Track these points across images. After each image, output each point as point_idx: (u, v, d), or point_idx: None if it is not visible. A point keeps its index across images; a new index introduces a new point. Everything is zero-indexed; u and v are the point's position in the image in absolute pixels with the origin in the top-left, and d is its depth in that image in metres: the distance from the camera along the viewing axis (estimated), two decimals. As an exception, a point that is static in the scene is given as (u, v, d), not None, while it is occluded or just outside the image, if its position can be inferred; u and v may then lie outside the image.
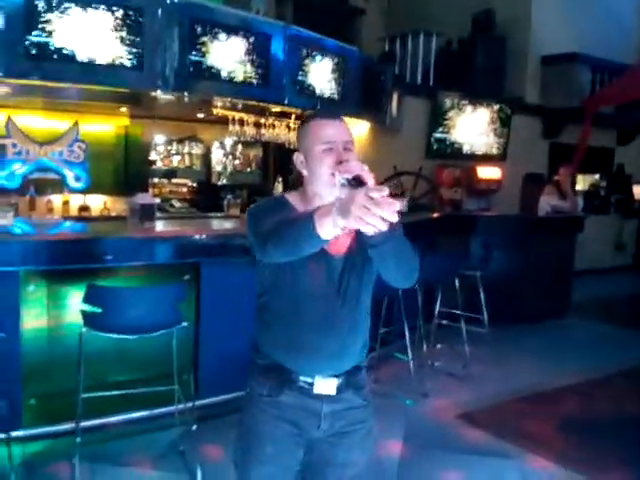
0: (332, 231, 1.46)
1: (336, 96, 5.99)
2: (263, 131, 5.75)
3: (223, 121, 5.89)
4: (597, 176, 11.00)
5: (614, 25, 10.01)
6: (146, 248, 3.66)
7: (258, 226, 1.73)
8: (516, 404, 4.53)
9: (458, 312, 5.25)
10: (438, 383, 4.82)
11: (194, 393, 3.58)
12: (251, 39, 5.17)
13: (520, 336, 6.29)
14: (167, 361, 3.33)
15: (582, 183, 10.78)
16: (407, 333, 4.53)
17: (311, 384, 1.76)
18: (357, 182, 1.48)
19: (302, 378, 1.76)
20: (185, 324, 3.25)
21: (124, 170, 6.94)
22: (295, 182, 6.63)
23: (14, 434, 3.24)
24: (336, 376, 1.78)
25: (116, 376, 3.84)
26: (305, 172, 1.78)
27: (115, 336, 3.07)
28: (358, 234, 1.69)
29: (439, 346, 5.37)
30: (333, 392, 1.77)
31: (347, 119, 5.79)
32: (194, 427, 3.36)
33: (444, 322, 5.33)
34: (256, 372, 1.83)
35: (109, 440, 3.57)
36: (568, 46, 9.23)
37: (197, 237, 3.81)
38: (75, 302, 3.39)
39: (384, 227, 1.37)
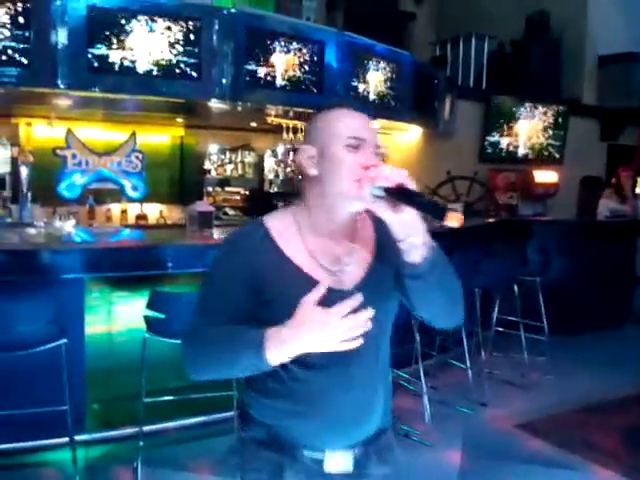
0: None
1: (390, 101, 5.98)
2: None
3: (275, 130, 5.95)
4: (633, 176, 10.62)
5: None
6: (205, 255, 3.71)
7: (202, 298, 1.41)
8: (577, 414, 4.41)
9: (516, 319, 5.14)
10: (496, 392, 4.72)
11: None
12: (305, 46, 5.21)
13: (580, 345, 6.10)
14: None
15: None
16: (465, 340, 4.47)
17: (319, 461, 1.37)
18: (399, 193, 1.20)
19: (307, 453, 1.36)
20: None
21: (179, 179, 7.09)
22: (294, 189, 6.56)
23: (78, 438, 3.31)
24: (352, 447, 1.39)
25: (176, 382, 3.88)
26: (314, 172, 1.35)
27: (177, 341, 3.11)
28: (374, 261, 1.41)
29: (497, 354, 5.27)
30: (350, 468, 1.39)
31: (400, 124, 5.76)
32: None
33: (502, 329, 5.23)
34: (248, 451, 1.43)
35: (169, 445, 3.63)
36: (625, 46, 8.96)
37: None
38: (136, 308, 3.46)
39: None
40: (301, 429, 1.36)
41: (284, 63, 5.09)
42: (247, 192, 7.63)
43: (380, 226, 1.36)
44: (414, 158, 7.41)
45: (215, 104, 5.03)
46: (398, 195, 1.20)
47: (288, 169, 7.72)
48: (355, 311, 1.21)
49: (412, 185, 1.21)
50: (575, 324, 6.32)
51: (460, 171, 7.51)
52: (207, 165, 7.30)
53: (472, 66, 9.04)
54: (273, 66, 5.04)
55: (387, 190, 1.21)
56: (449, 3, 10.77)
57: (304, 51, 5.21)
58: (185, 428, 3.76)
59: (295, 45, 5.15)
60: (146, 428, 3.34)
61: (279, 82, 5.08)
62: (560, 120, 8.95)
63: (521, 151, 8.77)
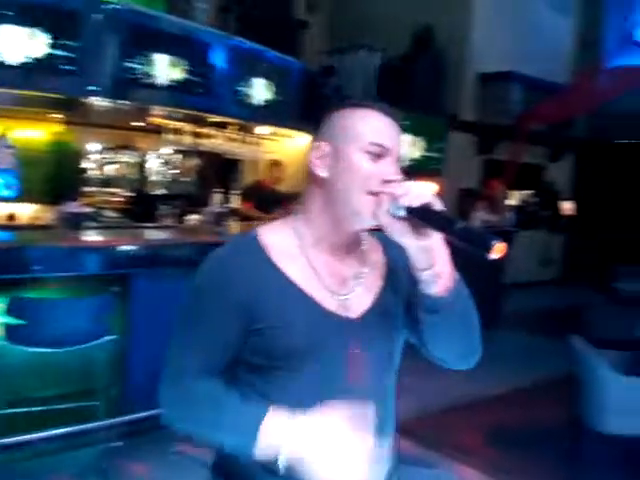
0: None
1: (277, 108, 6.01)
2: (200, 140, 5.70)
3: (159, 130, 5.82)
4: (528, 192, 11.36)
5: (548, 46, 10.40)
6: (73, 258, 3.55)
7: (182, 334, 1.21)
8: (446, 415, 4.60)
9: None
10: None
11: (121, 408, 3.49)
12: (191, 48, 5.15)
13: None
14: (92, 375, 3.24)
15: (514, 199, 11.11)
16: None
17: None
18: (426, 216, 1.05)
19: None
20: (111, 337, 3.17)
21: (56, 178, 6.74)
22: (250, 194, 6.53)
23: None
24: None
25: (37, 391, 3.69)
26: (324, 173, 1.18)
27: (37, 350, 2.97)
28: (384, 288, 1.26)
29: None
30: None
31: (287, 131, 5.80)
32: (118, 444, 3.27)
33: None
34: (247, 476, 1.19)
35: (29, 458, 3.43)
36: (504, 65, 9.53)
37: (127, 247, 3.73)
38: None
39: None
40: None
41: (168, 63, 5.00)
42: (129, 193, 7.40)
43: (390, 249, 1.26)
44: (301, 165, 7.47)
45: (94, 101, 4.85)
46: (424, 217, 1.04)
47: (174, 171, 7.58)
48: (360, 343, 1.16)
49: (440, 206, 1.06)
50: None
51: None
52: (86, 164, 7.01)
53: (361, 77, 9.27)
54: (157, 66, 4.93)
55: (411, 210, 1.05)
56: (341, 14, 10.99)
57: (189, 52, 5.14)
58: (47, 440, 3.56)
59: (181, 46, 5.07)
60: (4, 440, 3.15)
61: (162, 82, 4.98)
62: (440, 133, 9.36)
63: (403, 162, 9.06)
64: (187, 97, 5.09)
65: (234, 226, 5.40)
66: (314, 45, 10.25)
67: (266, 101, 5.84)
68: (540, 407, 4.82)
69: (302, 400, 1.12)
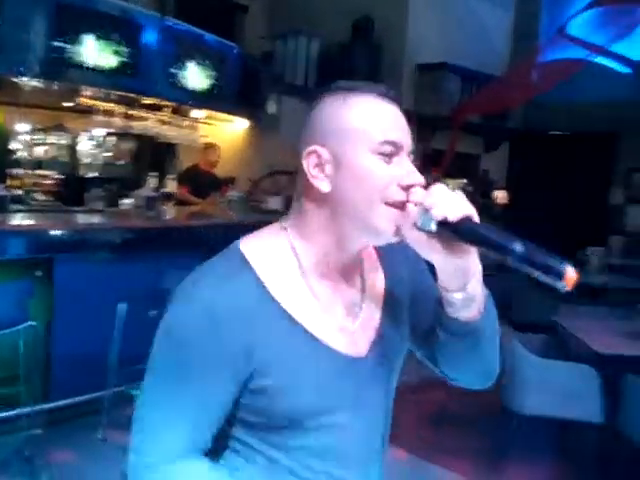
0: None
1: (213, 91, 5.94)
2: (132, 123, 5.58)
3: (91, 111, 5.67)
4: (464, 181, 11.60)
5: (484, 37, 10.60)
6: (-6, 243, 3.46)
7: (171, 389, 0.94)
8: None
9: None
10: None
11: (45, 395, 3.42)
12: (124, 29, 5.03)
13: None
14: (14, 362, 3.16)
15: (451, 187, 11.30)
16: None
17: None
18: (464, 229, 0.86)
19: None
20: (34, 323, 3.10)
21: (-20, 159, 6.51)
22: (187, 179, 6.45)
23: None
24: None
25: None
26: (326, 187, 0.95)
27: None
28: (386, 309, 1.07)
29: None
30: None
31: (223, 115, 5.74)
32: (41, 431, 3.21)
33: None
34: None
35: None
36: (441, 56, 9.67)
37: (50, 231, 3.64)
38: None
39: None
40: None
41: (100, 43, 4.87)
42: (60, 176, 7.20)
43: (388, 258, 1.10)
44: (239, 150, 7.44)
45: (22, 80, 4.69)
46: (464, 233, 0.86)
47: (107, 154, 7.41)
48: (370, 378, 1.02)
49: (477, 219, 0.88)
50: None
51: (284, 166, 7.65)
52: (15, 145, 6.78)
53: (300, 64, 9.25)
54: (88, 45, 4.80)
55: (446, 224, 0.86)
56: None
57: (122, 33, 5.03)
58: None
59: (113, 26, 4.95)
60: None
61: (93, 62, 4.85)
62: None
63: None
64: (119, 78, 4.98)
65: (168, 210, 5.34)
66: (254, 30, 10.16)
67: (202, 84, 5.77)
68: (469, 392, 4.97)
69: (309, 462, 0.98)
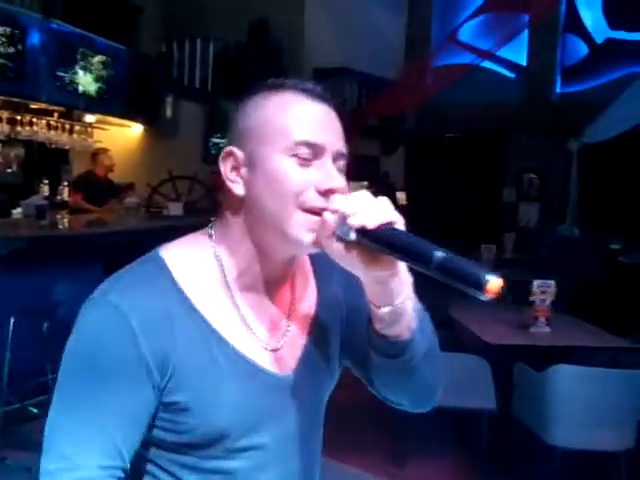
0: None
1: (103, 94, 5.76)
2: (20, 129, 5.32)
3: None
4: (365, 183, 11.83)
5: (380, 42, 10.87)
6: None
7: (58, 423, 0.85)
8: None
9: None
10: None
11: None
12: (5, 30, 4.79)
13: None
14: None
15: (351, 190, 11.50)
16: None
17: None
18: (386, 240, 0.79)
19: None
20: None
21: None
22: (81, 186, 6.18)
23: None
24: None
25: None
26: (240, 191, 0.90)
27: None
28: (316, 325, 1.01)
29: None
30: None
31: (115, 119, 5.57)
32: None
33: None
34: None
35: None
36: (338, 60, 9.83)
37: None
38: None
39: None
40: None
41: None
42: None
43: (322, 270, 1.03)
44: (136, 156, 7.25)
45: None
46: (385, 243, 0.78)
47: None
48: (296, 397, 0.95)
49: (403, 226, 0.81)
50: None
51: (183, 171, 7.53)
52: None
53: (198, 66, 9.14)
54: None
55: (366, 233, 0.78)
56: (178, 0, 10.74)
57: (5, 36, 4.79)
58: None
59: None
60: None
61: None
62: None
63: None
64: (2, 82, 4.74)
65: (61, 219, 5.12)
66: (149, 32, 9.92)
67: (91, 88, 5.58)
68: (349, 387, 5.07)
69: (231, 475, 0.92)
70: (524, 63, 10.92)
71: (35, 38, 4.94)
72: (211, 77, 9.12)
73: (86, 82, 5.47)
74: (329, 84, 9.94)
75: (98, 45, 5.69)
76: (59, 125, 5.49)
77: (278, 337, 0.96)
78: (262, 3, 9.60)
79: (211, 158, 8.64)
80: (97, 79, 5.63)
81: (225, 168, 0.90)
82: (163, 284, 0.87)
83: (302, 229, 0.85)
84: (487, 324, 3.56)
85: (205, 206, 7.39)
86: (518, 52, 10.73)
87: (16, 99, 5.00)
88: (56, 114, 5.45)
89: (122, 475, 0.85)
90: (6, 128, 5.28)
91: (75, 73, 5.35)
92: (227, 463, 0.91)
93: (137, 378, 0.83)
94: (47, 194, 5.94)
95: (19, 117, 5.28)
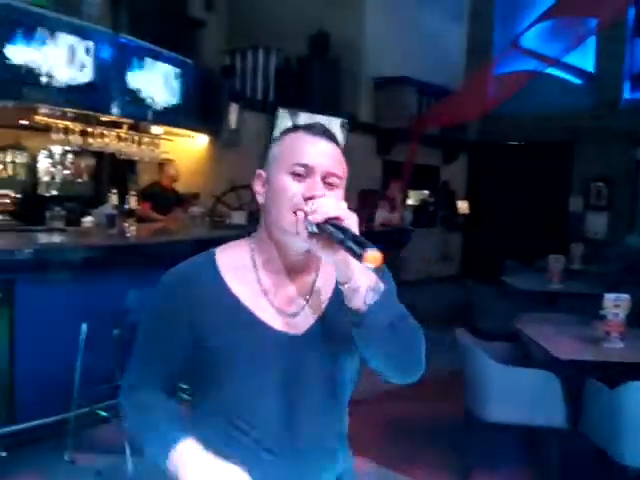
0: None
1: (170, 108, 5.92)
2: (91, 140, 5.52)
3: (50, 129, 5.59)
4: (426, 192, 11.76)
5: (440, 51, 10.81)
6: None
7: (145, 336, 1.29)
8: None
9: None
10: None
11: (10, 417, 3.34)
12: (77, 46, 4.98)
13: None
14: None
15: (413, 198, 11.48)
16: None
17: None
18: (335, 229, 1.07)
19: None
20: (-6, 345, 3.04)
21: None
22: (148, 196, 6.39)
23: None
24: None
25: None
26: (261, 200, 1.25)
27: None
28: (330, 304, 1.27)
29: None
30: None
31: (183, 131, 5.69)
32: (3, 454, 3.14)
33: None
34: None
35: None
36: (398, 70, 9.81)
37: (10, 251, 3.57)
38: None
39: None
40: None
41: (56, 61, 4.82)
42: (18, 195, 7.07)
43: None
44: (201, 166, 7.41)
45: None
46: (328, 231, 1.07)
47: (66, 171, 7.31)
48: (302, 359, 1.21)
49: (350, 220, 1.09)
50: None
51: (246, 180, 7.61)
52: (-30, 165, 6.65)
53: (260, 78, 9.29)
54: (44, 63, 4.74)
55: (319, 226, 1.08)
56: (240, 14, 10.95)
57: (76, 50, 4.98)
58: None
59: (66, 43, 4.90)
60: None
61: (48, 81, 4.80)
62: (340, 134, 9.52)
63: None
64: (75, 96, 4.93)
65: (130, 228, 5.27)
66: (212, 44, 10.16)
67: (159, 101, 5.74)
68: (435, 400, 5.01)
69: (240, 411, 1.21)
70: (591, 69, 10.64)
71: (106, 52, 5.13)
72: (272, 89, 9.26)
73: (154, 95, 5.63)
74: (389, 94, 9.94)
75: (165, 58, 5.86)
76: (128, 137, 5.67)
77: (293, 308, 1.25)
78: (322, 15, 9.69)
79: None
80: (164, 92, 5.79)
81: (255, 185, 1.27)
82: (205, 265, 1.26)
83: (291, 225, 1.15)
84: (556, 338, 3.45)
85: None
86: (585, 58, 10.47)
87: (88, 112, 5.19)
88: (125, 126, 5.63)
89: (161, 389, 1.27)
90: (79, 140, 5.49)
91: (143, 86, 5.52)
92: (239, 399, 1.21)
93: (180, 329, 1.22)
94: (116, 203, 6.14)
95: (91, 129, 5.49)
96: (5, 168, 6.95)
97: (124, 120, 5.51)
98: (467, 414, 3.61)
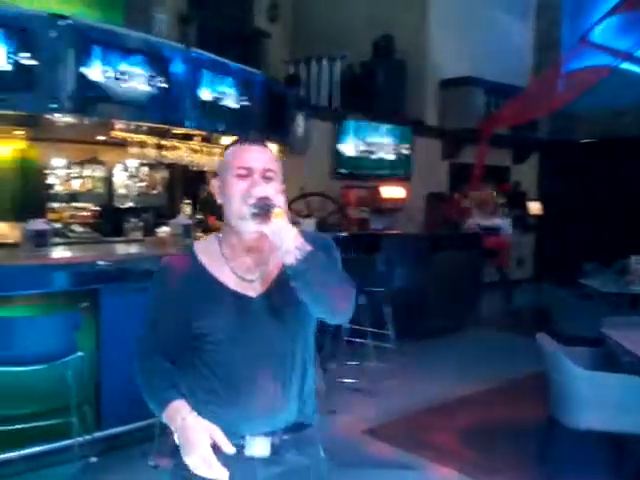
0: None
1: (239, 119, 6.01)
2: (165, 153, 5.67)
3: (124, 143, 5.77)
4: (493, 192, 11.52)
5: (507, 50, 10.60)
6: (39, 276, 3.52)
7: (148, 313, 1.65)
8: (421, 416, 4.65)
9: (365, 328, 5.34)
10: (346, 399, 4.88)
11: (96, 424, 3.46)
12: (150, 61, 5.12)
13: (425, 350, 6.47)
14: (65, 393, 3.21)
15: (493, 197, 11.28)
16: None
17: (241, 446, 1.53)
18: (266, 207, 1.43)
19: (230, 439, 1.48)
20: (80, 354, 3.16)
21: (20, 195, 6.66)
22: (206, 207, 6.59)
23: None
24: (269, 435, 1.56)
25: (10, 410, 3.64)
26: (220, 200, 1.61)
27: (2, 369, 2.94)
28: (280, 273, 1.59)
29: (347, 363, 5.44)
30: (267, 453, 1.56)
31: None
32: (94, 460, 3.25)
33: (352, 339, 5.41)
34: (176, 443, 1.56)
35: (7, 477, 3.39)
36: (464, 70, 9.68)
37: (94, 263, 3.70)
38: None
39: None
40: (224, 419, 1.52)
41: (129, 77, 4.97)
42: (97, 208, 7.35)
43: None
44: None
45: (55, 117, 4.81)
46: (265, 209, 1.43)
47: (141, 184, 7.55)
48: (263, 316, 1.57)
49: (277, 199, 1.46)
50: (421, 330, 6.69)
51: (314, 188, 7.70)
52: (51, 180, 6.94)
53: (324, 85, 9.36)
54: (117, 80, 4.90)
55: (255, 206, 1.45)
56: (303, 23, 11.07)
57: (149, 65, 5.12)
58: (21, 459, 3.51)
59: (140, 59, 5.05)
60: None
61: (123, 97, 4.94)
62: (406, 139, 9.47)
63: (370, 168, 9.18)
64: (149, 110, 5.06)
65: (202, 237, 5.39)
66: (276, 54, 10.30)
67: (229, 112, 5.83)
68: (515, 406, 4.90)
69: (207, 358, 1.56)
70: (665, 61, 10.19)
71: (178, 67, 5.24)
72: (337, 95, 9.30)
73: (224, 106, 5.73)
74: (456, 94, 9.82)
75: (234, 70, 5.95)
76: (200, 148, 5.79)
77: (251, 276, 1.60)
78: (386, 19, 9.68)
79: (339, 174, 8.79)
80: (234, 103, 5.88)
81: (214, 188, 1.63)
82: (188, 256, 1.64)
83: (239, 210, 1.52)
84: (643, 341, 3.31)
85: (336, 222, 7.50)
86: (658, 50, 10.03)
87: (162, 125, 5.33)
88: (197, 138, 5.75)
89: (163, 354, 1.62)
90: (154, 153, 5.64)
91: (214, 98, 5.62)
92: (210, 357, 1.56)
93: (171, 302, 1.59)
94: (189, 213, 6.30)
95: (165, 142, 5.63)
96: (84, 182, 7.23)
97: (196, 132, 5.63)
98: (551, 420, 3.51)
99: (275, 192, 1.48)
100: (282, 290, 1.56)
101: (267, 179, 1.53)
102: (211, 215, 6.27)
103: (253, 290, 1.59)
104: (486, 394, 5.20)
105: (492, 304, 8.60)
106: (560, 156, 11.20)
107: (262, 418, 1.55)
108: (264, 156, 1.58)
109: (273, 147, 7.07)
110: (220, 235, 1.66)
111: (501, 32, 10.61)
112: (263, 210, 1.43)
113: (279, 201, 1.46)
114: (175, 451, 1.54)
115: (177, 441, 1.50)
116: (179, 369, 1.61)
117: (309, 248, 1.45)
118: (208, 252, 1.63)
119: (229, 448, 1.46)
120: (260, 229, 1.47)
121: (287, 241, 1.44)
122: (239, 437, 1.54)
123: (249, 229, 1.53)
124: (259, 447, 1.55)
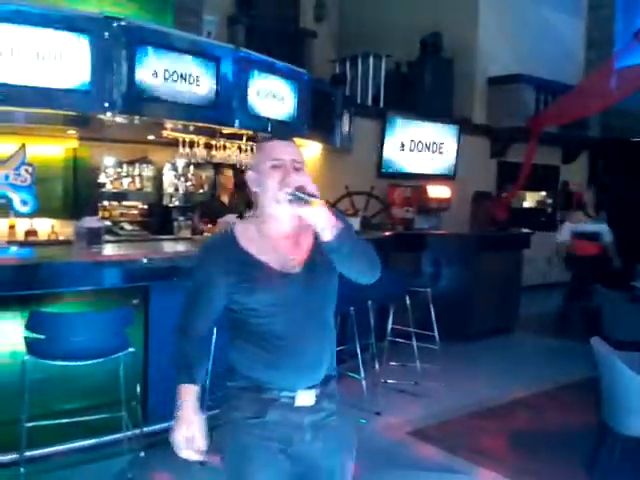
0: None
1: (287, 118, 6.05)
2: (214, 152, 5.74)
3: (174, 143, 5.87)
4: (543, 193, 11.30)
5: (557, 46, 10.38)
6: (92, 272, 3.61)
7: (190, 290, 1.86)
8: (467, 419, 4.59)
9: (410, 329, 5.30)
10: (391, 401, 4.85)
11: (143, 419, 3.52)
12: (200, 62, 5.20)
13: (470, 352, 6.39)
14: (115, 387, 3.28)
15: (529, 200, 11.06)
16: (359, 352, 4.56)
17: (292, 398, 1.80)
18: (302, 194, 1.63)
19: (283, 394, 1.80)
20: (132, 350, 3.22)
21: (73, 193, 6.84)
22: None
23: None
24: (313, 387, 1.83)
25: (62, 404, 3.74)
26: (256, 189, 1.83)
27: (58, 363, 3.02)
28: (313, 251, 1.84)
29: (391, 364, 5.41)
30: (312, 403, 1.83)
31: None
32: (142, 454, 3.31)
33: (396, 340, 5.38)
34: (234, 396, 1.86)
35: (55, 470, 3.48)
36: (513, 67, 9.53)
37: (145, 260, 3.76)
38: (18, 329, 3.31)
39: None
40: (275, 376, 1.79)
41: (179, 78, 5.05)
42: (145, 206, 7.49)
43: None
44: (314, 173, 7.46)
45: (108, 117, 4.92)
46: (301, 196, 1.62)
47: (188, 183, 7.65)
48: (303, 288, 1.79)
49: (312, 187, 1.65)
50: (465, 332, 6.61)
51: (359, 186, 7.69)
52: (102, 178, 7.11)
53: (370, 84, 9.32)
54: (167, 80, 4.98)
55: (292, 193, 1.64)
56: (349, 22, 11.06)
57: (199, 66, 5.19)
58: (72, 452, 3.61)
59: (190, 60, 5.13)
60: (30, 453, 3.20)
61: (173, 97, 5.03)
62: (453, 137, 9.37)
63: (416, 167, 9.11)
64: (198, 110, 5.15)
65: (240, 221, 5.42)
66: (322, 54, 10.32)
67: (277, 112, 5.87)
68: (564, 410, 4.81)
69: (276, 333, 1.78)
70: None
71: (227, 67, 5.31)
72: (383, 93, 9.25)
73: (272, 106, 5.77)
74: (504, 92, 9.66)
75: (282, 70, 5.99)
76: (247, 148, 5.84)
77: (291, 255, 1.81)
78: (434, 17, 9.59)
79: (384, 173, 8.75)
80: (282, 102, 5.92)
81: (250, 180, 1.85)
82: (228, 236, 1.85)
83: (275, 197, 1.73)
84: None
85: (381, 221, 7.48)
86: None
87: (212, 125, 5.41)
88: (245, 137, 5.81)
89: (211, 325, 1.89)
90: (203, 153, 5.72)
91: (262, 98, 5.67)
92: (260, 323, 1.79)
93: (213, 279, 1.81)
94: (239, 212, 6.34)
95: (214, 142, 5.71)
96: (133, 181, 7.38)
97: (244, 132, 5.69)
98: (601, 426, 3.42)
99: (308, 180, 1.68)
100: (315, 264, 1.82)
101: (297, 169, 1.77)
102: (206, 218, 6.25)
103: (291, 267, 1.81)
104: (534, 398, 5.11)
105: (534, 307, 8.44)
106: (611, 155, 10.90)
107: (309, 374, 1.82)
108: (293, 149, 1.82)
109: (318, 146, 7.10)
110: (257, 219, 1.87)
111: (551, 29, 10.39)
112: (300, 197, 1.63)
113: (313, 188, 1.66)
114: (222, 447, 1.79)
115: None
116: (231, 342, 1.85)
117: (341, 225, 1.68)
118: (247, 235, 1.84)
119: (201, 443, 1.78)
120: (297, 213, 1.69)
121: (323, 221, 1.65)
122: (290, 391, 1.80)
123: (285, 212, 1.75)
124: (307, 398, 1.82)
